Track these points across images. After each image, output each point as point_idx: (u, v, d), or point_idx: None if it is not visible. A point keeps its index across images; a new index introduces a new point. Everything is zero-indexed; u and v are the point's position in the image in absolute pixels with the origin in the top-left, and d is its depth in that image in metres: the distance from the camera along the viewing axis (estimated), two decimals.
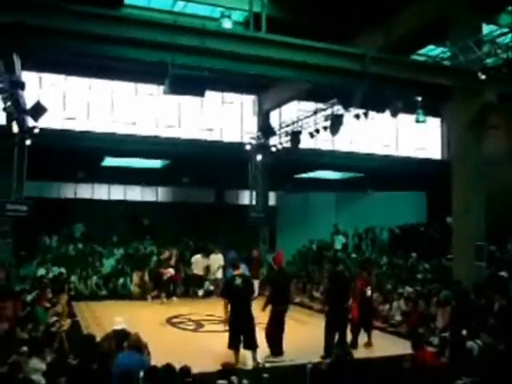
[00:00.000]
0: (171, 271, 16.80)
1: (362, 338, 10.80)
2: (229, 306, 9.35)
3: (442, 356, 9.06)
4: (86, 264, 18.72)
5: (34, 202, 17.51)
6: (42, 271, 17.04)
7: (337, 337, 9.92)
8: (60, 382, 6.38)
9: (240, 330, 9.15)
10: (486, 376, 7.07)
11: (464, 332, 9.18)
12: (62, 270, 17.69)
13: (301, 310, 15.22)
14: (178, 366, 6.51)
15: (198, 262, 17.52)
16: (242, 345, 9.20)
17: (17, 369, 6.57)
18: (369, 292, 10.93)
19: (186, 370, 6.48)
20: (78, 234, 22.25)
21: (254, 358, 9.13)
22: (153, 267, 18.39)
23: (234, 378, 6.49)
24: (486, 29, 14.19)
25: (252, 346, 9.18)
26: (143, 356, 7.18)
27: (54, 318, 10.44)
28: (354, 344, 10.49)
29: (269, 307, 10.09)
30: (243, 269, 11.99)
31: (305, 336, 11.42)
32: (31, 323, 9.73)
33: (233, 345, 9.14)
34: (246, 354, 9.29)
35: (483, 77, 12.21)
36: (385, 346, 10.92)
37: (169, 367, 6.46)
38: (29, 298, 11.84)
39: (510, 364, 7.44)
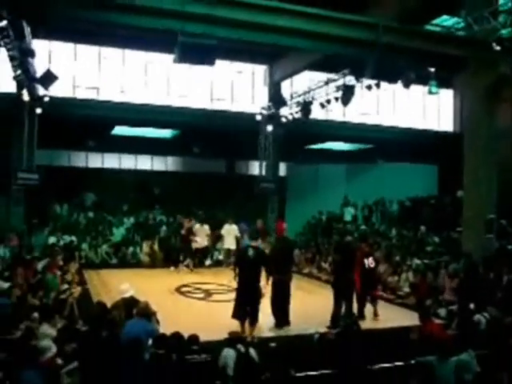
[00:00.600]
0: (198, 239, 16.88)
1: (369, 309, 10.85)
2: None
3: (448, 328, 9.12)
4: (96, 232, 18.87)
5: (44, 171, 17.61)
6: (53, 239, 17.21)
7: (344, 307, 10.00)
8: (70, 347, 6.47)
9: (246, 301, 9.20)
10: (493, 349, 7.09)
11: (472, 305, 9.21)
12: (73, 238, 17.86)
13: (309, 281, 15.32)
14: (186, 334, 6.59)
15: (198, 232, 17.05)
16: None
17: (30, 335, 6.67)
18: (371, 263, 10.91)
19: (194, 338, 6.57)
20: (89, 203, 22.38)
21: (251, 332, 9.10)
22: (163, 236, 18.50)
23: (240, 347, 6.56)
24: None
25: (253, 320, 9.19)
26: (152, 324, 7.26)
27: (65, 286, 10.58)
28: (361, 314, 10.55)
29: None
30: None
31: (312, 306, 11.50)
32: (42, 290, 9.87)
33: (238, 315, 9.19)
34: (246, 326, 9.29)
35: (498, 48, 12.00)
36: (392, 317, 10.97)
37: (177, 335, 6.55)
38: (40, 265, 11.97)
39: None
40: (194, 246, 16.90)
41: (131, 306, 7.79)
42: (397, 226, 19.35)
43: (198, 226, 17.23)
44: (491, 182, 13.42)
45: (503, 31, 12.46)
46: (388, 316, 10.91)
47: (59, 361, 6.34)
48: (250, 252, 9.39)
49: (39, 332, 6.92)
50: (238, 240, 16.68)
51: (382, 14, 14.22)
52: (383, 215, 21.53)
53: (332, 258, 10.94)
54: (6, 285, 9.73)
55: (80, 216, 20.57)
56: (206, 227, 17.21)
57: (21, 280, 10.36)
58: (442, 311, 10.78)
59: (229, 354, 6.45)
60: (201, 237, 17.04)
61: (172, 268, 16.70)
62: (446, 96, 24.49)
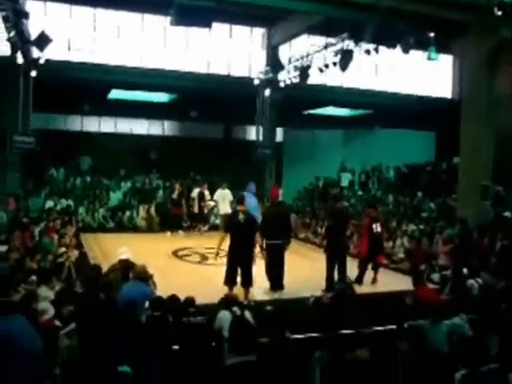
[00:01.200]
0: (211, 203, 16.88)
1: (368, 274, 10.93)
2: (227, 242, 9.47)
3: (442, 293, 9.23)
4: (93, 197, 18.91)
5: (40, 134, 17.51)
6: (49, 203, 17.25)
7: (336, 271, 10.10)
8: (67, 309, 6.53)
9: (238, 266, 9.23)
10: (485, 314, 7.19)
11: (465, 270, 9.30)
12: (70, 202, 17.89)
13: (305, 245, 15.43)
14: (182, 297, 6.66)
15: (220, 198, 16.61)
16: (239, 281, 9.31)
17: (31, 298, 6.73)
18: (378, 228, 10.96)
19: (190, 300, 6.63)
20: (85, 167, 22.33)
21: (246, 296, 9.20)
22: (160, 201, 18.54)
23: (236, 309, 6.63)
24: None
25: (246, 283, 9.25)
26: (149, 286, 7.33)
27: (62, 249, 10.63)
28: (360, 280, 10.63)
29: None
30: (253, 203, 12.05)
31: (308, 270, 11.61)
32: (40, 253, 9.93)
33: (228, 280, 9.22)
34: (241, 290, 9.34)
35: (499, 13, 11.83)
36: (387, 281, 11.10)
37: (173, 297, 6.62)
38: (37, 229, 12.03)
39: (508, 302, 7.56)
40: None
41: (128, 269, 7.86)
42: (393, 192, 19.41)
43: (220, 190, 16.62)
44: (488, 148, 13.42)
45: None
46: (383, 281, 11.02)
47: (57, 323, 6.41)
48: (240, 216, 9.38)
49: (38, 295, 6.97)
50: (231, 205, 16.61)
51: None
52: (380, 181, 21.58)
53: (326, 223, 10.96)
54: (4, 248, 9.79)
55: (77, 180, 20.56)
56: (228, 192, 16.41)
57: (18, 243, 10.44)
58: (436, 276, 10.90)
59: (224, 316, 6.52)
60: (224, 203, 16.40)
61: (168, 233, 16.79)
62: (445, 62, 24.25)
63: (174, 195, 17.29)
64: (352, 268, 10.61)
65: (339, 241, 10.24)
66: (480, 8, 12.41)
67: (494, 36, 12.82)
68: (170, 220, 17.38)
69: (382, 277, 11.29)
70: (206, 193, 17.16)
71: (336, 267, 10.12)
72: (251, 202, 12.10)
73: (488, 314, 7.09)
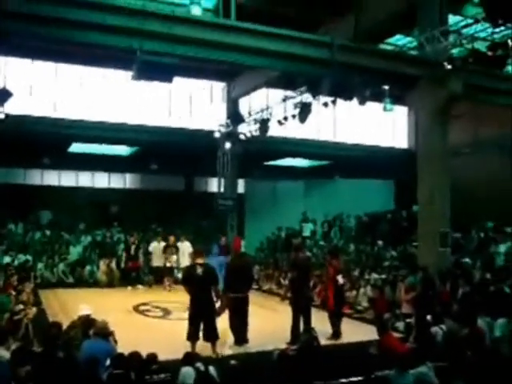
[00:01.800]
0: (174, 257, 16.80)
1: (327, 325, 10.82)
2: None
3: (407, 341, 9.25)
4: (52, 251, 18.52)
5: None
6: (7, 259, 16.79)
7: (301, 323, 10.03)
8: (24, 370, 6.29)
9: (199, 320, 9.05)
10: (451, 360, 7.22)
11: (429, 317, 9.36)
12: (28, 257, 17.48)
13: (269, 297, 15.32)
14: (144, 354, 6.51)
15: (155, 250, 17.13)
16: (201, 335, 9.12)
17: None
18: (341, 280, 10.95)
19: (152, 357, 6.48)
20: (45, 221, 21.95)
21: (214, 350, 9.04)
22: (120, 255, 18.28)
23: (199, 365, 6.51)
24: (452, 19, 14.39)
25: (212, 336, 9.06)
26: (110, 343, 7.15)
27: (20, 306, 10.30)
28: (337, 333, 10.50)
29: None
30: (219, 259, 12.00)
31: (272, 323, 11.52)
32: None
33: (191, 336, 9.01)
34: (206, 345, 9.15)
35: (449, 67, 12.40)
36: (352, 332, 11.05)
37: (135, 354, 6.45)
38: None
39: (473, 348, 7.62)
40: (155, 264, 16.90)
41: (88, 326, 7.66)
42: (355, 241, 19.59)
43: (154, 243, 17.17)
44: (445, 197, 13.72)
45: (454, 50, 12.89)
46: (347, 331, 10.98)
47: None
48: (198, 270, 9.24)
49: None
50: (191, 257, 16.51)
51: (337, 33, 14.52)
52: (341, 230, 21.77)
53: (289, 275, 10.91)
54: None
55: (36, 234, 20.15)
56: (188, 244, 16.92)
57: None
58: (400, 324, 10.92)
59: (188, 372, 6.39)
60: (157, 257, 16.90)
61: (129, 288, 16.54)
62: (401, 113, 25.05)
63: (131, 249, 17.19)
64: (319, 319, 10.55)
65: (303, 292, 10.21)
66: (431, 62, 12.94)
67: (445, 89, 13.32)
68: (129, 274, 17.14)
69: (347, 327, 11.24)
70: (180, 243, 17.06)
71: (301, 319, 10.06)
72: (218, 258, 12.11)
73: (453, 361, 7.12)
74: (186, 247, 16.78)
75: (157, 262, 17.01)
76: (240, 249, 11.09)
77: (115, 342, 7.49)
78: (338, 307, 10.79)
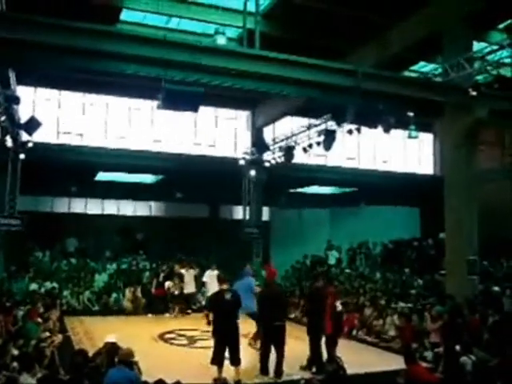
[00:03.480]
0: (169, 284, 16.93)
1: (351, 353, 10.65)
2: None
3: (435, 371, 9.07)
4: (78, 279, 18.62)
5: (27, 216, 17.47)
6: (34, 286, 16.95)
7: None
8: None
9: (225, 345, 9.05)
10: None
11: (458, 347, 9.18)
12: (55, 284, 17.60)
13: (294, 325, 15.15)
14: (170, 382, 6.48)
15: (185, 277, 17.09)
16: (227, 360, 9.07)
17: None
18: (339, 307, 10.69)
19: None
20: (72, 249, 22.17)
21: (237, 374, 8.98)
22: (146, 283, 18.33)
23: None
24: (477, 46, 14.37)
25: (235, 361, 9.04)
26: (134, 371, 7.13)
27: (46, 334, 10.38)
28: (331, 359, 10.31)
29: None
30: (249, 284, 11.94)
31: (298, 351, 11.34)
32: (22, 339, 9.65)
33: (216, 359, 8.99)
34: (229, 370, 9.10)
35: (474, 93, 12.34)
36: (378, 361, 10.88)
37: (161, 382, 6.44)
38: (20, 313, 11.76)
39: (503, 378, 7.44)
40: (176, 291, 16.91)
41: (113, 353, 7.65)
42: (381, 268, 19.38)
43: (183, 270, 17.17)
44: (472, 224, 13.55)
45: (479, 77, 12.85)
46: (374, 360, 10.81)
47: None
48: (227, 295, 9.29)
49: (19, 382, 6.75)
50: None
51: (361, 60, 14.61)
52: (367, 258, 21.57)
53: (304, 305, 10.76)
54: None
55: (62, 262, 20.34)
56: (192, 272, 17.15)
57: (0, 328, 10.16)
58: (429, 354, 10.72)
59: None
60: (213, 284, 16.85)
61: (150, 315, 16.50)
62: (426, 139, 24.96)
63: (160, 277, 17.26)
64: (343, 348, 10.40)
65: (318, 321, 10.11)
66: (455, 89, 12.90)
67: (470, 116, 13.26)
68: (155, 302, 17.20)
69: (373, 356, 11.09)
70: (184, 271, 17.06)
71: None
72: (249, 282, 12.04)
73: None
74: (215, 275, 16.65)
75: (188, 288, 17.03)
76: (274, 278, 10.98)
77: (139, 371, 7.46)
78: (335, 333, 10.58)
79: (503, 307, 12.21)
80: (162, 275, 17.67)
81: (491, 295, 13.13)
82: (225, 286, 9.58)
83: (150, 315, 16.57)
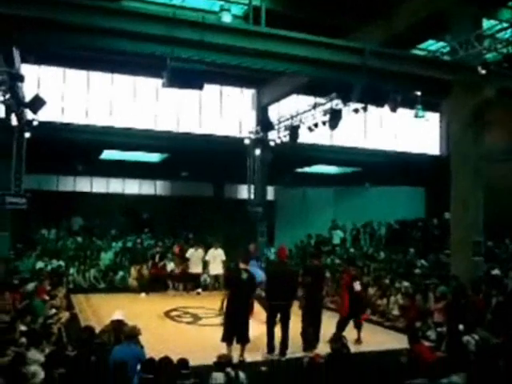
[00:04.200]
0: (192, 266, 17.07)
1: (350, 333, 10.63)
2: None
3: (438, 350, 9.12)
4: (84, 257, 18.72)
5: (32, 195, 17.53)
6: (40, 264, 17.05)
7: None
8: (58, 373, 6.38)
9: (236, 324, 9.12)
10: (483, 370, 7.09)
11: (461, 327, 9.21)
12: (61, 262, 17.71)
13: (297, 304, 15.22)
14: (175, 359, 6.54)
15: (193, 257, 17.18)
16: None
17: (20, 360, 6.59)
18: (358, 287, 10.77)
19: (183, 362, 6.50)
20: (77, 227, 22.26)
21: (242, 353, 9.02)
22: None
23: (229, 370, 6.51)
24: (487, 24, 14.19)
25: (243, 340, 9.09)
26: (140, 347, 7.19)
27: (53, 311, 10.47)
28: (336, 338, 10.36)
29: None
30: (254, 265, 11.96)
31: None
32: (30, 315, 9.75)
33: (227, 337, 9.06)
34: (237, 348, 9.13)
35: (483, 72, 12.18)
36: (382, 340, 10.95)
37: (166, 359, 6.49)
38: (27, 290, 11.85)
39: (505, 358, 7.47)
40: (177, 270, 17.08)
41: (120, 331, 7.73)
42: (385, 248, 19.39)
43: (192, 250, 17.21)
44: (478, 204, 13.51)
45: (488, 55, 12.70)
46: (378, 339, 10.88)
47: None
48: (244, 275, 9.32)
49: (28, 358, 6.83)
50: (224, 265, 16.47)
51: (368, 38, 14.45)
52: (371, 238, 21.58)
53: (302, 281, 10.76)
54: None
55: (68, 240, 20.44)
56: (200, 251, 17.13)
57: (8, 305, 10.26)
58: (432, 333, 10.78)
59: (218, 378, 6.40)
60: (195, 264, 17.03)
61: (143, 294, 16.54)
62: (433, 119, 24.79)
63: (156, 258, 17.52)
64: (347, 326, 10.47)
65: (315, 298, 10.14)
66: (464, 67, 12.77)
67: (479, 94, 13.15)
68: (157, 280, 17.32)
69: (377, 335, 11.15)
70: (191, 251, 17.14)
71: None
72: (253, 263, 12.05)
73: (486, 371, 6.99)
74: (218, 255, 16.74)
75: (194, 268, 17.10)
76: (285, 257, 10.96)
77: (140, 345, 7.49)
78: (353, 314, 10.64)
79: (507, 288, 12.22)
80: (157, 256, 17.76)
81: (493, 277, 13.14)
82: (243, 266, 9.61)
83: (142, 294, 16.52)
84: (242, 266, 9.63)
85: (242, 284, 9.25)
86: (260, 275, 11.19)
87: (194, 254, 17.10)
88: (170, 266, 17.53)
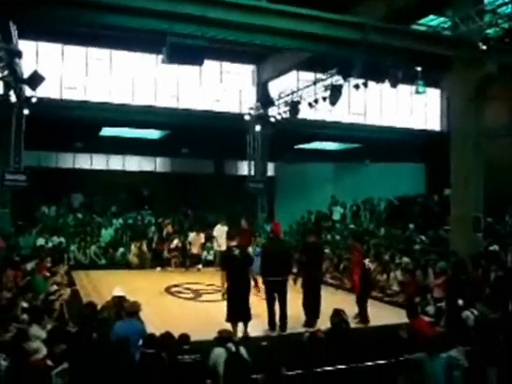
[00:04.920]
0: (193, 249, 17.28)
1: (354, 308, 10.75)
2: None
3: (437, 325, 9.19)
4: (85, 234, 18.77)
5: (32, 172, 17.52)
6: (41, 241, 17.11)
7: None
8: (60, 348, 6.44)
9: (237, 302, 9.14)
10: (482, 345, 7.15)
11: (460, 302, 9.28)
12: (62, 239, 17.77)
13: (298, 280, 15.30)
14: (176, 334, 6.59)
15: (194, 240, 17.37)
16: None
17: (22, 337, 6.65)
18: (368, 264, 10.84)
19: (184, 337, 6.56)
20: (77, 204, 22.28)
21: (245, 330, 9.10)
22: (151, 237, 18.47)
23: (230, 346, 6.56)
24: None
25: (245, 317, 9.15)
26: (140, 322, 7.24)
27: (54, 287, 10.53)
28: (365, 318, 10.42)
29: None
30: None
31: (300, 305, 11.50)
32: (31, 292, 9.81)
33: (232, 318, 9.08)
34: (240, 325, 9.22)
35: (484, 47, 12.10)
36: (382, 315, 11.01)
37: (167, 335, 6.54)
38: (28, 267, 11.91)
39: (504, 332, 7.54)
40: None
41: (121, 307, 7.78)
42: (385, 224, 19.44)
43: (193, 234, 17.37)
44: (478, 180, 13.52)
45: (489, 30, 12.58)
46: (377, 314, 10.94)
47: (49, 362, 6.32)
48: (236, 252, 9.36)
49: (29, 334, 6.89)
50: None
51: (368, 14, 14.30)
52: (372, 214, 21.62)
53: (298, 259, 10.81)
54: None
55: (68, 217, 20.48)
56: (202, 236, 17.34)
57: (10, 282, 10.31)
58: (431, 309, 10.85)
59: (219, 353, 6.46)
60: (196, 246, 17.15)
61: (158, 269, 16.74)
62: (433, 95, 24.66)
63: (164, 232, 17.47)
64: (347, 302, 10.55)
65: (313, 274, 10.20)
66: (465, 43, 12.67)
67: (480, 70, 13.06)
68: (160, 255, 17.41)
69: (377, 310, 11.21)
70: (193, 235, 17.38)
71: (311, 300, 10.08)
72: None
73: (485, 345, 7.05)
74: (224, 231, 16.72)
75: (194, 250, 17.23)
76: (280, 233, 10.93)
77: (141, 322, 7.53)
78: (366, 291, 10.72)
79: (506, 263, 12.28)
80: (164, 231, 17.83)
81: (494, 252, 13.20)
82: (233, 243, 9.65)
83: (158, 269, 16.76)
84: (231, 243, 9.70)
85: (235, 260, 9.27)
86: None
87: (195, 238, 17.23)
88: (175, 242, 17.51)
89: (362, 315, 10.39)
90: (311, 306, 10.04)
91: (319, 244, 11.13)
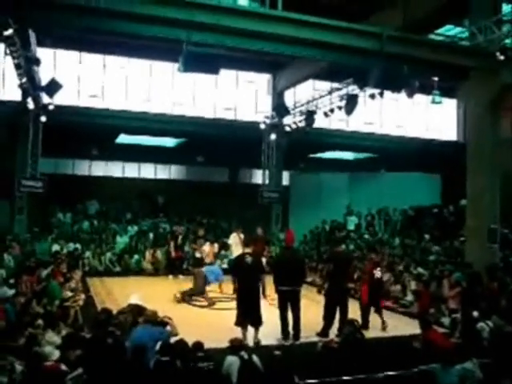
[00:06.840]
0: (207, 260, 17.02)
1: (374, 319, 10.73)
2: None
3: (452, 337, 9.12)
4: (99, 241, 18.88)
5: (48, 179, 17.66)
6: (56, 247, 17.22)
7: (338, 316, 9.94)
8: (74, 354, 6.47)
9: (247, 308, 9.17)
10: (496, 357, 7.08)
11: (475, 313, 9.19)
12: (77, 245, 17.88)
13: (312, 289, 15.25)
14: (190, 342, 6.60)
15: (208, 251, 17.22)
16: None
17: (33, 341, 6.70)
18: (378, 274, 10.85)
19: (198, 345, 6.57)
20: (93, 211, 22.42)
21: (256, 335, 9.12)
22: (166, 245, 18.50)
23: (243, 354, 6.56)
24: (505, 8, 13.97)
25: (256, 323, 9.16)
26: (160, 329, 7.24)
27: (69, 293, 10.58)
28: (365, 325, 10.44)
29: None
30: None
31: (316, 314, 11.45)
32: (46, 298, 9.88)
33: (241, 322, 9.14)
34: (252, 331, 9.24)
35: (501, 57, 12.04)
36: (396, 325, 10.94)
37: (181, 342, 6.56)
38: (44, 273, 11.99)
39: None
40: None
41: (138, 313, 7.81)
42: (400, 234, 19.33)
43: (207, 245, 17.18)
44: (494, 191, 13.41)
45: (507, 41, 12.52)
46: (391, 325, 10.87)
47: (63, 367, 6.34)
48: (248, 259, 9.37)
49: (44, 339, 6.93)
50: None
51: (386, 23, 14.30)
52: (386, 224, 21.50)
53: (324, 268, 10.74)
54: (11, 292, 9.75)
55: (83, 224, 20.61)
56: (216, 246, 17.19)
57: (25, 287, 10.39)
58: (446, 320, 10.76)
59: (232, 361, 6.46)
60: (209, 257, 17.07)
61: (170, 276, 16.72)
62: (450, 105, 24.55)
63: (179, 240, 17.44)
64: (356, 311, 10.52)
65: (339, 284, 10.11)
66: (482, 53, 12.62)
67: (497, 81, 12.99)
68: (174, 263, 17.39)
69: (391, 320, 11.13)
70: (207, 246, 17.18)
71: (337, 311, 10.00)
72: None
73: (500, 358, 6.98)
74: (238, 240, 16.71)
75: (207, 260, 17.20)
76: (293, 242, 10.88)
77: (174, 328, 7.45)
78: (374, 301, 10.67)
79: None
80: (179, 238, 17.81)
81: (509, 265, 13.07)
82: (247, 250, 9.70)
83: (170, 276, 16.77)
84: (246, 250, 9.73)
85: (247, 267, 9.29)
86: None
87: (209, 248, 17.20)
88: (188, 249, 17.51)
89: (363, 323, 10.32)
90: (339, 317, 9.92)
91: (348, 253, 11.04)
